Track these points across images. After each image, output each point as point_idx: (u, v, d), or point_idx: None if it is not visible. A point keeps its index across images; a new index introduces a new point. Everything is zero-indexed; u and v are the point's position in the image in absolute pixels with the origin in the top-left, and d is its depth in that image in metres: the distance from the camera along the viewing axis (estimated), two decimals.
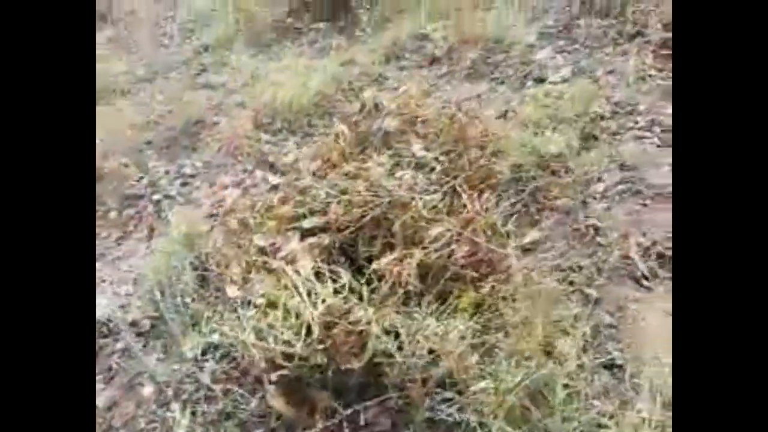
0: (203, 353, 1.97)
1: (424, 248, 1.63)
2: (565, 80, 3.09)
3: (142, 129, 3.66)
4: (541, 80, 3.12)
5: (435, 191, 1.84)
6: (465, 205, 1.78)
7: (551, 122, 2.67)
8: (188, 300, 2.12)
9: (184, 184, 3.03)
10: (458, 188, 1.86)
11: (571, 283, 1.96)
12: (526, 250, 2.13)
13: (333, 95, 3.43)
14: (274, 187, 2.01)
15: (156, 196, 2.97)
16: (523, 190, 2.25)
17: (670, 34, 3.05)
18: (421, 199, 1.73)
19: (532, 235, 2.14)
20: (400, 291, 1.58)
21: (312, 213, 1.85)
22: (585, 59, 3.25)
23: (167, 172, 3.18)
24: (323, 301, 1.53)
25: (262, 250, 1.86)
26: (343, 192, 1.83)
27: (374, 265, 1.58)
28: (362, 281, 1.61)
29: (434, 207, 1.75)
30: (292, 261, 1.72)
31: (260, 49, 4.36)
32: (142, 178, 3.12)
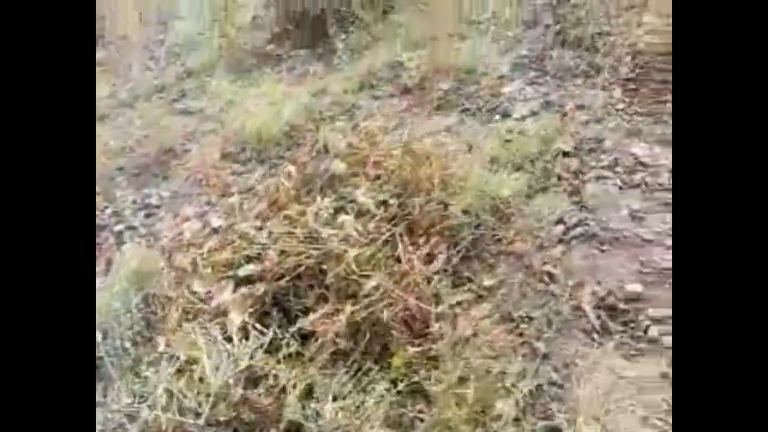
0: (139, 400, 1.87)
1: (355, 303, 1.52)
2: (533, 113, 3.00)
3: (116, 155, 3.59)
4: (508, 114, 3.03)
5: (375, 239, 1.74)
6: (407, 256, 1.68)
7: (514, 158, 2.58)
8: (128, 345, 2.02)
9: (148, 215, 2.95)
10: (400, 236, 1.76)
11: (521, 334, 1.86)
12: (479, 297, 2.03)
13: (303, 125, 3.35)
14: (215, 231, 1.92)
15: (118, 227, 2.88)
16: (477, 233, 2.14)
17: (638, 69, 2.98)
18: (357, 249, 1.63)
19: (485, 281, 2.04)
20: (328, 350, 1.48)
21: (249, 260, 1.75)
22: (555, 92, 3.17)
23: (134, 202, 3.10)
24: (250, 357, 1.43)
25: (199, 297, 1.77)
26: (281, 239, 1.74)
27: (299, 324, 1.47)
28: (290, 338, 1.51)
29: (372, 257, 1.65)
30: (224, 312, 1.63)
31: (240, 75, 4.30)
32: (107, 207, 3.04)
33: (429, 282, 1.67)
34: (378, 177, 2.10)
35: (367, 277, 1.56)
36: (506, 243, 2.13)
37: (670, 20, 3.07)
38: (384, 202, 1.98)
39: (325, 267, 1.60)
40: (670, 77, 2.94)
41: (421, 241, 1.91)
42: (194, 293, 1.75)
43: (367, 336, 1.49)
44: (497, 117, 3.05)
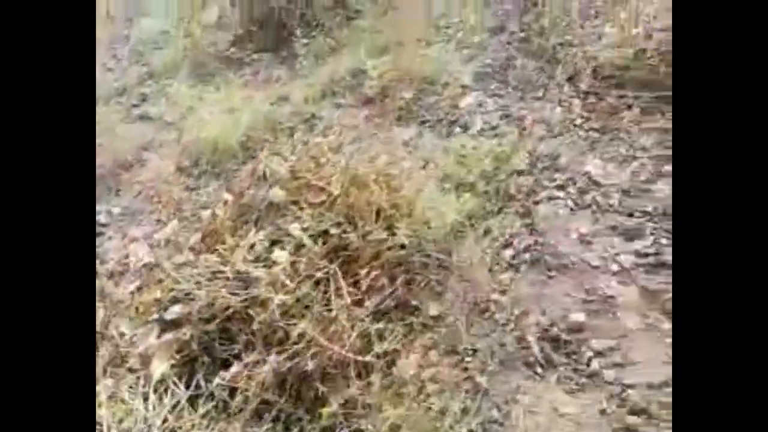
0: None
1: (282, 352, 1.43)
2: (492, 127, 2.91)
3: None
4: (467, 128, 2.94)
5: (309, 276, 1.64)
6: (341, 300, 1.58)
7: (468, 177, 2.49)
8: None
9: (96, 235, 2.80)
10: (334, 274, 1.67)
11: (465, 369, 1.79)
12: (425, 326, 1.95)
13: (261, 136, 3.22)
14: (147, 266, 1.80)
15: None
16: (424, 260, 2.06)
17: (597, 83, 2.90)
18: (284, 294, 1.53)
19: (431, 310, 1.97)
20: (254, 402, 1.39)
21: (177, 300, 1.64)
22: (515, 104, 3.08)
23: None
24: (163, 420, 1.33)
25: (126, 340, 1.66)
26: (210, 279, 1.63)
27: (220, 377, 1.38)
28: (214, 390, 1.41)
29: (302, 299, 1.55)
30: (146, 360, 1.52)
31: (203, 79, 4.11)
32: None
33: (363, 322, 1.58)
34: (322, 203, 2.00)
35: (295, 323, 1.47)
36: (454, 269, 2.06)
37: (632, 32, 3.01)
38: (325, 232, 1.88)
39: (251, 312, 1.50)
40: (629, 91, 2.88)
41: (363, 273, 1.82)
42: (122, 335, 1.64)
43: (295, 386, 1.41)
44: (456, 130, 2.96)
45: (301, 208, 1.92)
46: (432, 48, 3.86)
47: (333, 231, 1.89)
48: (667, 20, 2.86)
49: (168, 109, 3.82)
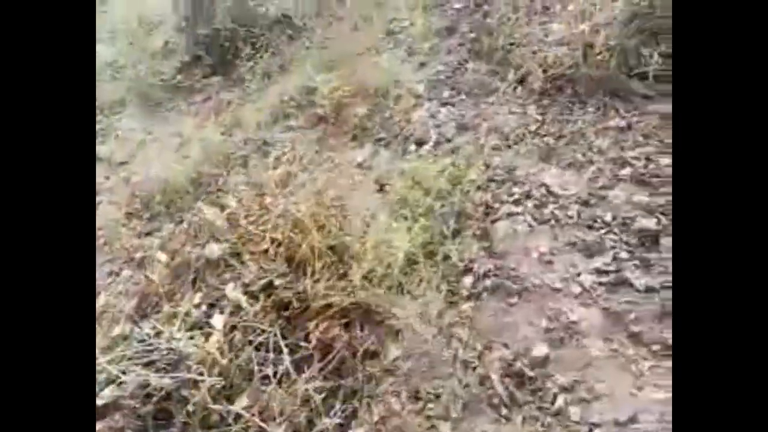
0: None
1: None
2: (447, 140, 2.78)
3: None
4: (422, 142, 2.80)
5: (250, 342, 1.50)
6: (283, 366, 1.44)
7: (424, 199, 2.36)
8: None
9: None
10: (278, 335, 1.53)
11: (428, 417, 1.67)
12: (386, 371, 1.83)
13: (213, 170, 3.04)
14: None
15: None
16: (380, 301, 1.93)
17: (548, 84, 2.77)
18: (223, 367, 1.39)
19: (391, 353, 1.84)
20: None
21: (110, 382, 1.49)
22: (470, 111, 2.94)
23: None
24: None
25: None
26: (143, 356, 1.48)
27: None
28: None
29: (237, 371, 1.41)
30: None
31: (152, 111, 3.91)
32: None
33: (309, 388, 1.45)
34: (265, 252, 1.85)
35: (231, 403, 1.34)
36: (412, 306, 1.93)
37: (579, 28, 2.88)
38: (270, 284, 1.74)
39: (185, 394, 1.36)
40: (581, 89, 2.77)
41: (312, 325, 1.68)
42: None
43: None
44: (411, 147, 2.82)
45: (243, 262, 1.77)
46: (383, 56, 3.71)
47: (278, 282, 1.75)
48: (612, 12, 2.74)
49: (116, 147, 3.62)
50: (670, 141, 2.31)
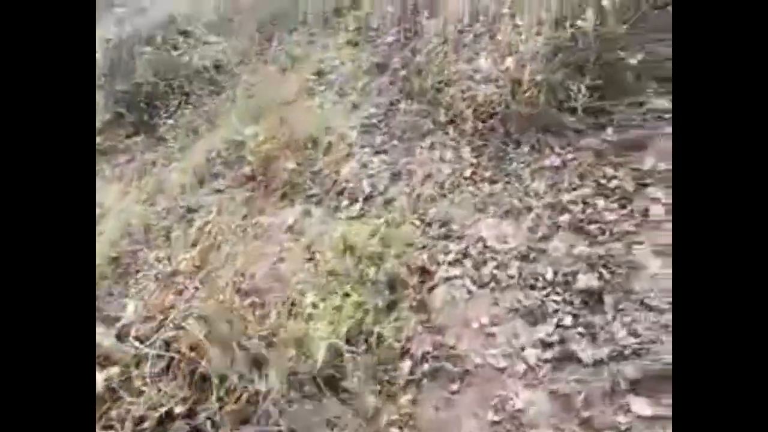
0: None
1: None
2: (381, 193, 2.57)
3: None
4: (355, 198, 2.58)
5: None
6: None
7: (357, 265, 2.13)
8: None
9: None
10: None
11: None
12: None
13: (133, 247, 2.73)
14: None
15: None
16: (305, 404, 1.68)
17: (480, 125, 2.61)
18: None
19: None
20: None
21: None
22: (403, 157, 2.75)
23: None
24: None
25: None
26: None
27: None
28: None
29: None
30: None
31: None
32: None
33: None
34: (166, 368, 1.57)
35: None
36: (342, 405, 1.69)
37: (506, 63, 2.74)
38: (169, 414, 1.46)
39: None
40: (513, 127, 2.62)
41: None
42: None
43: None
44: (345, 201, 2.60)
45: (141, 392, 1.49)
46: (315, 99, 3.49)
47: (178, 410, 1.47)
48: (536, 45, 2.61)
49: None
50: (605, 181, 2.17)
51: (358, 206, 2.51)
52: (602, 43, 2.43)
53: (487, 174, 2.45)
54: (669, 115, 2.31)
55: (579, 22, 2.47)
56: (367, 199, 2.54)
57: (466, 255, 2.09)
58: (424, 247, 2.20)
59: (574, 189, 2.20)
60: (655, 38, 2.49)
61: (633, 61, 2.40)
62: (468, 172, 2.49)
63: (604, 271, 1.85)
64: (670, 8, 2.50)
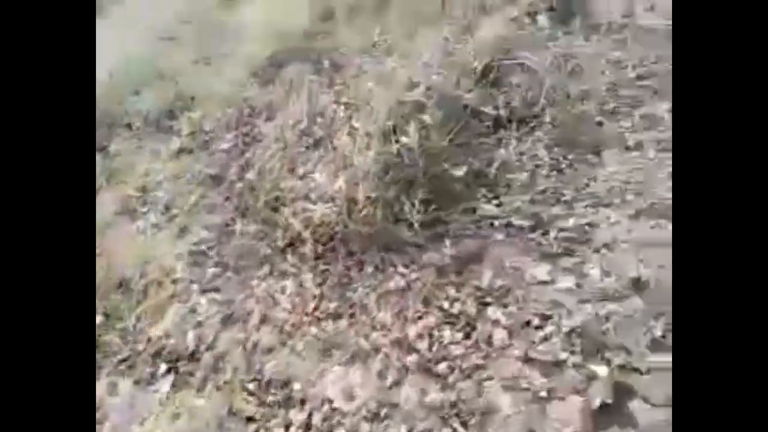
0: None
1: None
2: (209, 348, 2.09)
3: None
4: (176, 359, 2.07)
5: None
6: None
7: None
8: None
9: None
10: None
11: None
12: None
13: None
14: None
15: None
16: None
17: (320, 247, 2.39)
18: None
19: None
20: None
21: None
22: (238, 294, 2.36)
23: None
24: None
25: None
26: None
27: None
28: None
29: None
30: None
31: None
32: None
33: None
34: None
35: None
36: None
37: (340, 180, 2.60)
38: None
39: None
40: (355, 247, 2.44)
41: None
42: None
43: None
44: (162, 367, 2.07)
45: None
46: (137, 224, 2.95)
47: None
48: (368, 162, 2.53)
49: None
50: (448, 306, 2.06)
51: (179, 374, 2.01)
52: (427, 158, 2.44)
53: (332, 306, 2.18)
54: (498, 222, 2.34)
55: (403, 139, 2.46)
56: (190, 359, 2.06)
57: (308, 427, 1.74)
58: (258, 420, 1.79)
59: (420, 318, 2.04)
60: (478, 148, 2.60)
61: (459, 173, 2.44)
62: (311, 306, 2.19)
63: (457, 425, 1.66)
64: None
